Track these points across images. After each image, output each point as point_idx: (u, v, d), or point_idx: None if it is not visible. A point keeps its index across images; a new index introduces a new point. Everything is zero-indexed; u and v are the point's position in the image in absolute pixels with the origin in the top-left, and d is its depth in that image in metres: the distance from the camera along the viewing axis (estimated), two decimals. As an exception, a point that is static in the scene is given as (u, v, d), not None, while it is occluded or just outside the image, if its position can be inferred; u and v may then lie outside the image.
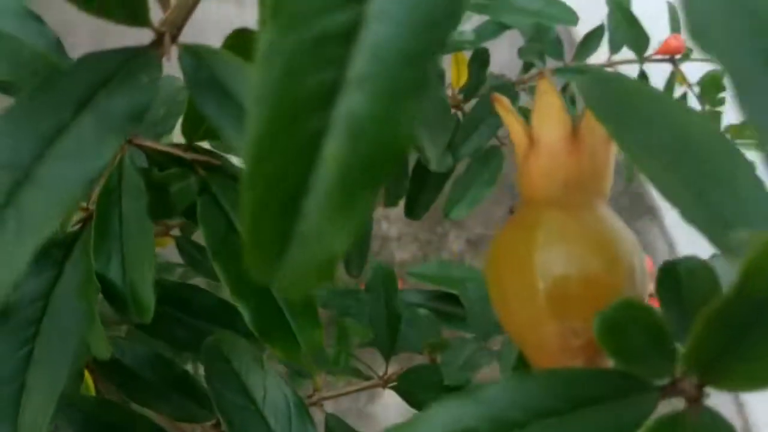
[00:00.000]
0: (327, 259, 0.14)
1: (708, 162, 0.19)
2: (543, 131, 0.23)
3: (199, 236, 0.53)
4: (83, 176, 0.18)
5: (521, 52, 0.57)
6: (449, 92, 0.61)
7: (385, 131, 0.13)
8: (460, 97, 0.60)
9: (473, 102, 0.59)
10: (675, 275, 0.20)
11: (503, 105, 0.24)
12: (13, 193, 0.17)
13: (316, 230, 0.14)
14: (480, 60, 0.57)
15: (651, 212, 1.93)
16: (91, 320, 0.26)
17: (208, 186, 0.25)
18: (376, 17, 0.13)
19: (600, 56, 0.64)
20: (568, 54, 0.62)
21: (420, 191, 0.61)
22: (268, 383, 0.31)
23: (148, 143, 0.26)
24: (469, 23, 0.57)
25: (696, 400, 0.18)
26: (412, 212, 0.63)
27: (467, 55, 0.59)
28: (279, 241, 0.14)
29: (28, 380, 0.27)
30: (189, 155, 0.26)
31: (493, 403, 0.18)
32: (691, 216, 0.18)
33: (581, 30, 0.61)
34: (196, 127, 0.25)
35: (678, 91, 0.65)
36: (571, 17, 0.52)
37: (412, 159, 0.61)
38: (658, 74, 0.64)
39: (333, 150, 0.13)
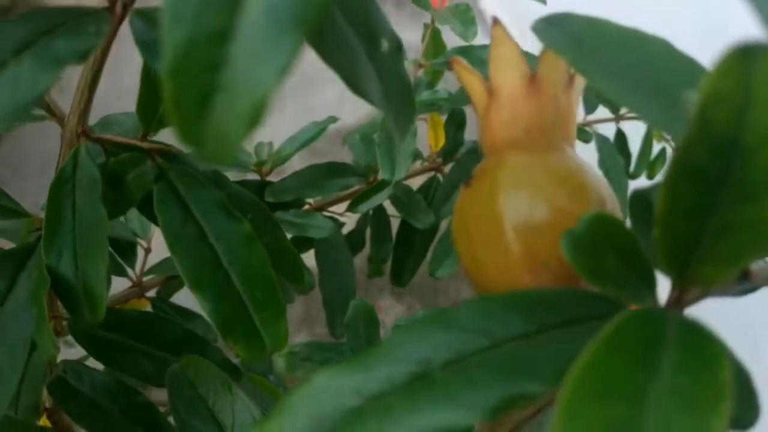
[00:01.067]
0: (256, 102, 0.13)
1: (674, 75, 0.19)
2: (500, 80, 0.22)
3: (177, 297, 0.51)
4: (16, 103, 0.17)
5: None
6: (426, 155, 0.62)
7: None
8: (439, 160, 0.61)
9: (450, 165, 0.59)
10: (646, 201, 0.19)
11: (461, 64, 0.23)
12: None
13: (243, 74, 0.13)
14: (456, 121, 0.58)
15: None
16: (42, 321, 0.24)
17: (164, 173, 0.25)
18: None
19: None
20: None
21: (406, 255, 0.60)
22: (237, 407, 0.29)
23: (107, 136, 0.25)
24: (443, 83, 0.59)
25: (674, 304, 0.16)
26: (399, 279, 0.62)
27: (444, 118, 0.60)
28: (203, 93, 0.13)
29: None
30: (146, 144, 0.25)
31: (458, 328, 0.17)
32: (662, 124, 0.17)
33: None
34: (152, 110, 0.25)
35: (657, 147, 0.66)
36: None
37: (395, 223, 0.60)
38: (634, 131, 0.65)
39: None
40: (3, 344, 0.25)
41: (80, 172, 0.24)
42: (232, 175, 0.51)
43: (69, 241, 0.24)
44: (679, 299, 0.17)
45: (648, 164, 0.64)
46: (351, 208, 0.55)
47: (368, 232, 0.63)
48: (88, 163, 0.24)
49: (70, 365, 0.30)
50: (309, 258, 0.53)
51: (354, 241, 0.64)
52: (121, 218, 0.47)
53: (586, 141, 0.60)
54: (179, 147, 0.26)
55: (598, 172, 0.21)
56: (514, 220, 0.20)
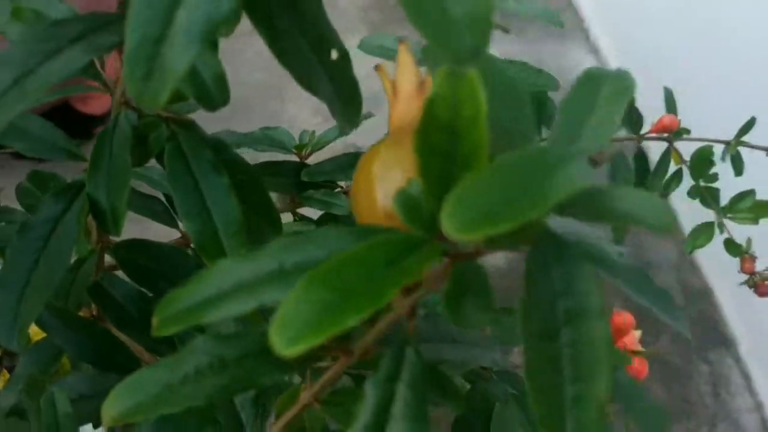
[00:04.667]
0: (174, 79, 0.22)
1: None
2: (400, 83, 0.31)
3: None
4: (66, 75, 0.27)
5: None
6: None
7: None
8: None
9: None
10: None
11: (382, 70, 0.32)
12: (18, 81, 0.27)
13: (168, 63, 0.22)
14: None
15: (725, 343, 1.87)
16: (81, 233, 0.35)
17: (175, 135, 0.35)
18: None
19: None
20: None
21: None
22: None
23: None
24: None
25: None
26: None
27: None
28: (146, 71, 0.22)
29: (32, 279, 0.36)
30: (164, 113, 0.35)
31: (312, 244, 0.25)
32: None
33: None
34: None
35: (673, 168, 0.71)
36: (553, 84, 0.60)
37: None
38: (656, 151, 0.71)
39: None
40: (58, 248, 0.36)
41: (118, 130, 0.35)
42: (270, 156, 0.62)
43: (104, 177, 0.35)
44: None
45: (663, 183, 0.69)
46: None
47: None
48: (125, 124, 0.35)
49: (107, 275, 0.41)
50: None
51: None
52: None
53: (595, 164, 0.66)
54: (190, 117, 0.36)
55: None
56: (380, 185, 0.28)
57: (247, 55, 1.70)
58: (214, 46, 0.31)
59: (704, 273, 1.94)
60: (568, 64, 2.27)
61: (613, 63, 2.24)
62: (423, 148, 0.22)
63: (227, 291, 0.25)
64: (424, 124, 0.21)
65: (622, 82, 0.24)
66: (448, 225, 0.19)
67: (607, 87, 0.24)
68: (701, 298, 1.92)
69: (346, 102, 0.32)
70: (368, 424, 0.24)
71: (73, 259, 0.41)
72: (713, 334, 1.90)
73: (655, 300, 0.28)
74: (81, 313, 0.41)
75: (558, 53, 2.30)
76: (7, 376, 0.46)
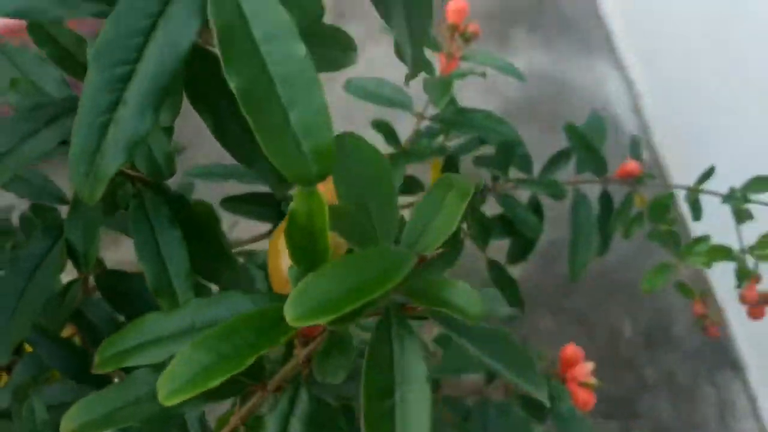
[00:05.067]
0: (131, 139, 0.28)
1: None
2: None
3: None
4: (42, 151, 0.34)
5: (475, 160, 0.72)
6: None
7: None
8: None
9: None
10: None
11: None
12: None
13: (124, 125, 0.29)
14: (451, 165, 0.72)
15: (734, 366, 1.89)
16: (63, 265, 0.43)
17: (140, 192, 0.42)
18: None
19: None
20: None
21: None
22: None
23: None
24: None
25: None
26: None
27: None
28: (103, 127, 0.29)
29: (20, 305, 0.43)
30: (132, 172, 0.42)
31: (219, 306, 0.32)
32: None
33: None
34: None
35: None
36: (512, 133, 0.66)
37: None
38: (620, 194, 0.76)
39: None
40: (43, 279, 0.44)
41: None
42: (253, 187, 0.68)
43: (80, 227, 0.42)
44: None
45: (626, 223, 0.75)
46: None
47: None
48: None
49: (88, 300, 0.49)
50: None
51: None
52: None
53: (558, 198, 0.72)
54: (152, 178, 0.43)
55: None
56: (283, 258, 0.35)
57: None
58: (168, 131, 0.38)
59: (716, 296, 1.96)
60: (594, 77, 2.30)
61: (638, 80, 2.26)
62: (292, 245, 0.28)
63: (150, 341, 0.32)
64: (289, 228, 0.28)
65: (466, 187, 0.30)
66: (288, 315, 0.25)
67: (453, 192, 0.31)
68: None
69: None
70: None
71: (65, 280, 0.48)
72: (722, 357, 1.92)
73: (513, 364, 0.34)
74: (66, 331, 0.49)
75: (584, 67, 2.33)
76: (5, 378, 0.54)
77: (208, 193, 0.60)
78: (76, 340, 0.50)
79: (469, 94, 2.17)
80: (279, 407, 0.34)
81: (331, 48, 0.37)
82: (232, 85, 0.25)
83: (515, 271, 1.89)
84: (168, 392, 0.26)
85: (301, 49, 0.26)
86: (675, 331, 1.97)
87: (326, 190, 0.38)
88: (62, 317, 0.47)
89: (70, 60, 0.40)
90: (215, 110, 0.35)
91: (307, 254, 0.28)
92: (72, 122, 0.32)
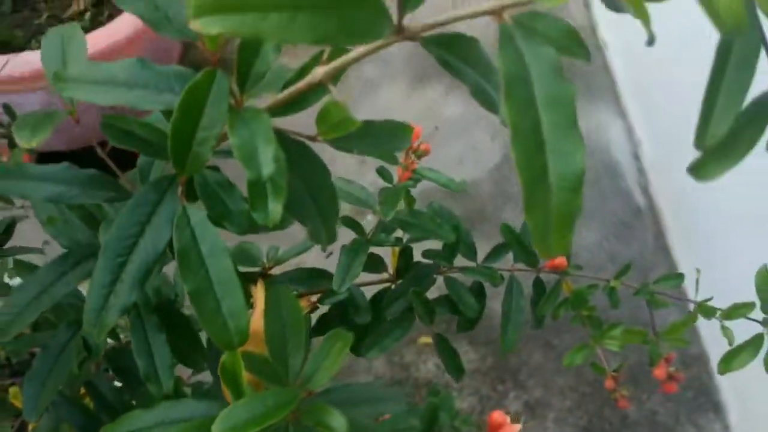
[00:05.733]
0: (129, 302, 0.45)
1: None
2: (257, 300, 0.53)
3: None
4: (66, 292, 0.51)
5: (425, 253, 0.87)
6: (389, 272, 0.92)
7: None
8: (394, 276, 0.91)
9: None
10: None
11: (259, 289, 0.54)
12: (37, 297, 0.50)
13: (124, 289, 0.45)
14: (406, 255, 0.88)
15: (715, 409, 2.00)
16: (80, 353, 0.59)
17: (136, 305, 0.58)
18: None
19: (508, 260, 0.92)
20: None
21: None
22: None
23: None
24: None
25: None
26: (357, 350, 0.92)
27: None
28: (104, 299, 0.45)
29: (47, 382, 0.60)
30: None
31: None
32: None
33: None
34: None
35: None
36: (450, 238, 0.81)
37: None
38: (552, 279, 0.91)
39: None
40: (65, 361, 0.60)
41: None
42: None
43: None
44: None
45: (553, 307, 0.89)
46: (320, 301, 0.86)
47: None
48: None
49: (99, 373, 0.65)
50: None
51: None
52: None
53: (495, 284, 0.87)
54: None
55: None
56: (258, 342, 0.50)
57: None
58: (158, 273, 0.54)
59: (702, 340, 2.07)
60: (596, 124, 2.43)
61: (639, 128, 2.38)
62: (225, 382, 0.44)
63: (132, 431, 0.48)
64: (221, 372, 0.43)
65: (347, 339, 0.46)
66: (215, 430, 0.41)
67: (339, 343, 0.46)
68: (697, 363, 2.06)
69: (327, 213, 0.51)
70: None
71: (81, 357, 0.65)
72: (704, 399, 2.04)
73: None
74: (81, 393, 0.66)
75: (587, 112, 2.46)
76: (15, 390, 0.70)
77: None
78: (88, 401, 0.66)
79: (476, 140, 2.33)
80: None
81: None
82: (186, 288, 0.41)
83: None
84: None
85: (229, 262, 0.42)
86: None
87: (257, 329, 0.53)
88: (77, 386, 0.64)
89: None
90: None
91: (234, 387, 0.44)
92: (90, 265, 0.48)
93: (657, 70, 2.29)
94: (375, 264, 0.91)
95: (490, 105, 0.39)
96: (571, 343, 2.09)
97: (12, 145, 1.47)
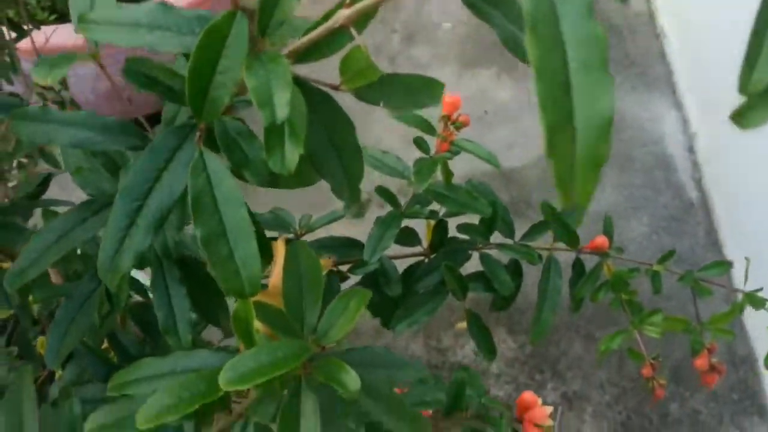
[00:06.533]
0: (142, 247, 0.44)
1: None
2: (278, 257, 0.52)
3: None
4: (86, 237, 0.51)
5: (461, 227, 0.85)
6: (423, 247, 0.90)
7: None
8: (428, 250, 0.89)
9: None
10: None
11: (280, 246, 0.53)
12: (57, 240, 0.50)
13: (138, 234, 0.45)
14: (441, 228, 0.86)
15: (760, 413, 1.94)
16: (103, 302, 0.59)
17: (158, 258, 0.58)
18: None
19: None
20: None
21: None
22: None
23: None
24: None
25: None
26: (387, 323, 0.91)
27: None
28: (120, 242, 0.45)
29: (70, 328, 0.60)
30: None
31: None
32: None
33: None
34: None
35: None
36: (487, 211, 0.79)
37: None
38: (592, 262, 0.88)
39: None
40: (88, 311, 0.60)
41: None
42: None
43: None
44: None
45: (592, 290, 0.86)
46: (351, 271, 0.85)
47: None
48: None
49: (122, 326, 0.65)
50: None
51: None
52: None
53: (532, 263, 0.84)
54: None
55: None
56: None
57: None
58: (179, 226, 0.53)
59: (751, 341, 2.00)
60: (649, 115, 2.36)
61: (695, 121, 2.31)
62: (237, 332, 0.43)
63: (144, 378, 0.47)
64: (234, 321, 0.42)
65: (364, 296, 0.45)
66: (221, 381, 0.40)
67: (355, 300, 0.45)
68: (745, 364, 1.99)
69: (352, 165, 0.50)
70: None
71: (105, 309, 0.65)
72: (749, 403, 1.97)
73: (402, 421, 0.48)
74: (103, 346, 0.66)
75: (641, 102, 2.40)
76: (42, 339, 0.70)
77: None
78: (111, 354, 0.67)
79: (525, 127, 2.28)
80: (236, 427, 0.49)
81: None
82: (199, 235, 0.40)
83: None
84: (142, 419, 0.41)
85: (245, 211, 0.41)
86: (703, 372, 2.02)
87: (276, 284, 0.52)
88: (101, 337, 0.64)
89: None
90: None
91: (245, 337, 0.43)
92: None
93: (716, 62, 2.21)
94: (408, 237, 0.89)
95: (519, 51, 0.37)
96: (613, 336, 2.04)
97: (62, 108, 1.50)
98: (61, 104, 1.50)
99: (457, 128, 0.80)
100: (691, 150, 2.29)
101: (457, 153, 0.82)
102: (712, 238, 2.13)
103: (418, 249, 0.90)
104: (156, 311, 0.57)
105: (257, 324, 0.43)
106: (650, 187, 2.23)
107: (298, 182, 0.50)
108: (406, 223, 0.87)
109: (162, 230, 0.54)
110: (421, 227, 0.88)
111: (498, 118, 2.27)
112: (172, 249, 0.54)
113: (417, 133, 0.77)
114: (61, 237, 0.50)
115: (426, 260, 0.88)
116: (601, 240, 0.85)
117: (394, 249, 0.89)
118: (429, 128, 0.78)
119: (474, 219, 0.87)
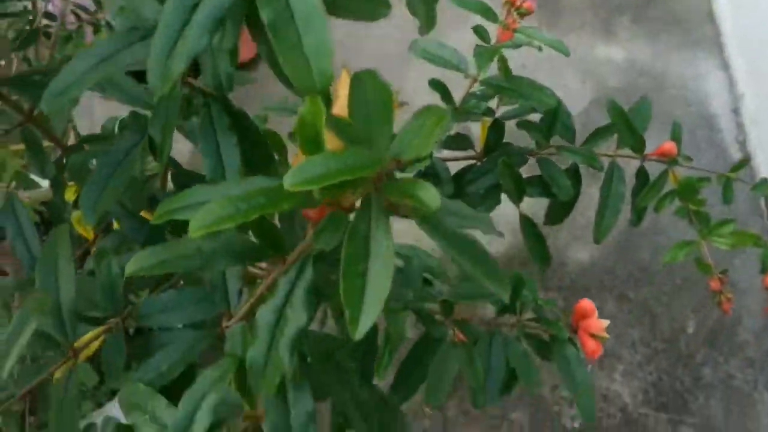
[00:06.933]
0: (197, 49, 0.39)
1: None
2: (340, 90, 0.47)
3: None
4: (128, 61, 0.46)
5: (519, 123, 0.79)
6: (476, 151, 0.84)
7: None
8: (481, 153, 0.83)
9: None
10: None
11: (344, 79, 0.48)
12: (97, 65, 0.45)
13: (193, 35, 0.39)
14: (496, 128, 0.80)
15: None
16: (146, 157, 0.54)
17: (207, 103, 0.53)
18: None
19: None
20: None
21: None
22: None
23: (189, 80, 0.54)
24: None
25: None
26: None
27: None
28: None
29: (109, 183, 0.55)
30: (205, 88, 0.53)
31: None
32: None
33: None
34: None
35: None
36: (552, 103, 0.73)
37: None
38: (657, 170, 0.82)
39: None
40: (128, 166, 0.55)
41: (172, 96, 0.53)
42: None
43: (159, 124, 0.53)
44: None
45: (656, 198, 0.80)
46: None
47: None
48: (177, 94, 0.53)
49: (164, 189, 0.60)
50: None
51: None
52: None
53: (594, 167, 0.78)
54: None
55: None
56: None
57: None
58: (233, 54, 0.48)
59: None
60: (694, 73, 2.28)
61: (742, 83, 2.23)
62: (301, 137, 0.38)
63: (194, 204, 0.43)
64: (299, 125, 0.37)
65: (442, 114, 0.39)
66: (285, 183, 0.35)
67: (432, 119, 0.39)
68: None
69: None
70: (276, 304, 0.42)
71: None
72: (786, 371, 1.91)
73: (479, 265, 0.42)
74: (143, 213, 0.61)
75: (686, 61, 2.31)
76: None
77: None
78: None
79: (566, 81, 2.21)
80: (288, 275, 0.44)
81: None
82: (263, 17, 0.35)
83: (585, 254, 1.93)
84: (195, 227, 0.36)
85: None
86: (741, 336, 1.96)
87: (341, 109, 0.47)
88: (142, 200, 0.59)
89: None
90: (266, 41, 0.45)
91: (310, 144, 0.38)
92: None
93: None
94: (461, 141, 0.84)
95: None
96: (648, 297, 1.98)
97: (97, 30, 1.45)
98: (96, 26, 1.46)
99: (521, 15, 0.74)
100: (736, 111, 2.21)
101: (518, 46, 0.76)
102: (755, 202, 2.06)
103: (470, 152, 0.84)
104: (203, 158, 0.52)
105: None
106: (692, 147, 2.15)
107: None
108: (459, 129, 0.82)
109: (214, 57, 0.49)
110: (475, 130, 0.83)
111: (539, 71, 2.21)
112: (225, 84, 0.49)
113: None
114: (104, 60, 0.45)
115: (478, 164, 0.83)
116: (669, 146, 0.79)
117: (445, 153, 0.83)
118: (491, 15, 0.73)
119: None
